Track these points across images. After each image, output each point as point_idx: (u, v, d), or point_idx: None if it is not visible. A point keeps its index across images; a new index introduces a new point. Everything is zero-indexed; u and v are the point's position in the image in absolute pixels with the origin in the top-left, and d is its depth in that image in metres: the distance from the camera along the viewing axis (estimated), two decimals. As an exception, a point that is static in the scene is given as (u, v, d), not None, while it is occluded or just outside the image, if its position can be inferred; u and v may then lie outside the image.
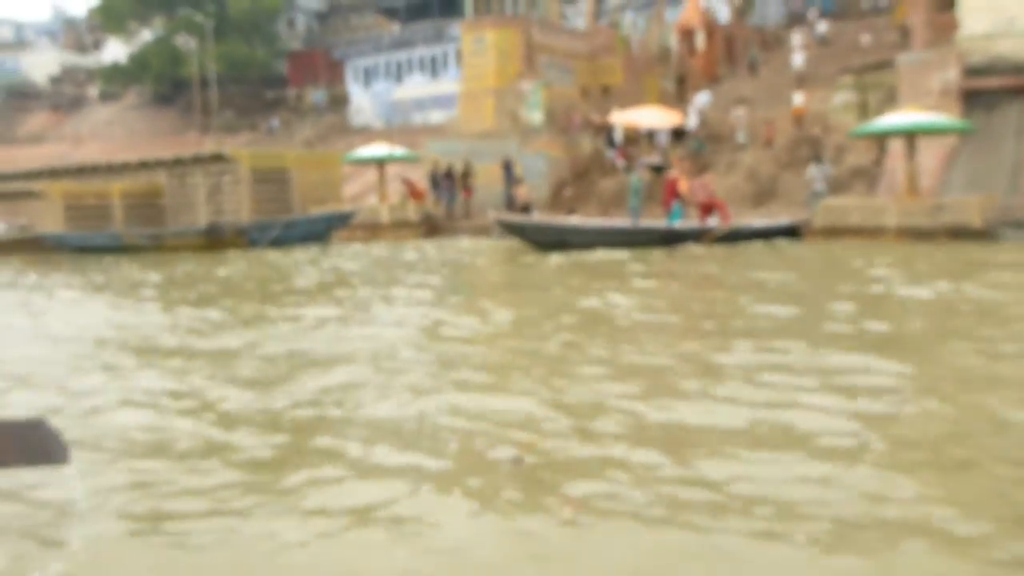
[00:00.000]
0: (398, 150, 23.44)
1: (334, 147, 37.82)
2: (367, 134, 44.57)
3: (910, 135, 15.85)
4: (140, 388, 6.03)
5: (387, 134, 40.75)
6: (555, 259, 14.13)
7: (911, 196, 15.76)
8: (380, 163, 22.87)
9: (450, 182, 23.05)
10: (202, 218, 22.82)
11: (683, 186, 16.83)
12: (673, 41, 32.39)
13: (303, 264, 15.62)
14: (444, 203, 23.10)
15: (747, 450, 4.24)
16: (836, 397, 5.05)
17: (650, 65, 30.23)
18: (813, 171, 17.88)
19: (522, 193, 20.74)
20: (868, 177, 21.25)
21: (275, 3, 51.34)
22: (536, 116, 24.97)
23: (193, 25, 47.86)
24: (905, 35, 31.63)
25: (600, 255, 14.23)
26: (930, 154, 19.42)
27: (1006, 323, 7.43)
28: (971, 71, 21.18)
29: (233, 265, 15.67)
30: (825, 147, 22.46)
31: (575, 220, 17.73)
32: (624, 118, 24.26)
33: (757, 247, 14.99)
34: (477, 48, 25.50)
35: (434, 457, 4.28)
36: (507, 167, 22.81)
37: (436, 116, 45.06)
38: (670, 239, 15.50)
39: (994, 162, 19.88)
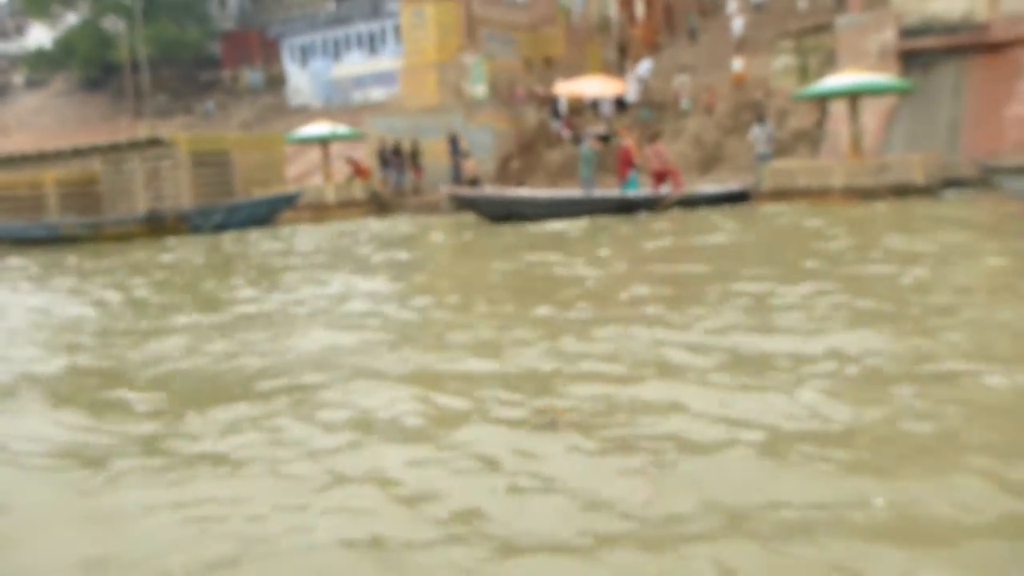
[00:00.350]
0: (341, 128, 23.04)
1: (273, 128, 37.18)
2: (306, 114, 43.81)
3: (853, 96, 15.99)
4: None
5: (327, 113, 40.14)
6: (510, 232, 14.01)
7: (855, 157, 15.95)
8: (323, 142, 22.46)
9: (398, 160, 22.80)
10: (140, 205, 22.16)
11: (636, 154, 16.77)
12: (613, 10, 32.31)
13: (250, 247, 15.28)
14: (393, 181, 22.87)
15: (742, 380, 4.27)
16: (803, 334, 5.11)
17: (591, 35, 30.15)
18: (756, 132, 18.00)
19: (469, 167, 20.56)
20: (810, 139, 21.51)
21: (205, -18, 50.04)
22: (480, 89, 24.73)
23: (121, 7, 46.44)
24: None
25: (556, 226, 14.15)
26: (870, 115, 19.70)
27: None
28: (906, 32, 21.49)
29: (176, 252, 15.22)
30: (767, 109, 22.67)
31: (527, 192, 17.64)
32: (568, 88, 24.18)
33: (709, 213, 15.04)
34: (416, 22, 25.13)
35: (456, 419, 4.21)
36: (453, 141, 22.60)
37: (376, 93, 44.45)
38: (623, 208, 15.48)
39: (932, 121, 20.25)
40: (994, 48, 19.39)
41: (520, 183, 20.19)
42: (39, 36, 53.59)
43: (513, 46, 27.19)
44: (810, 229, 11.90)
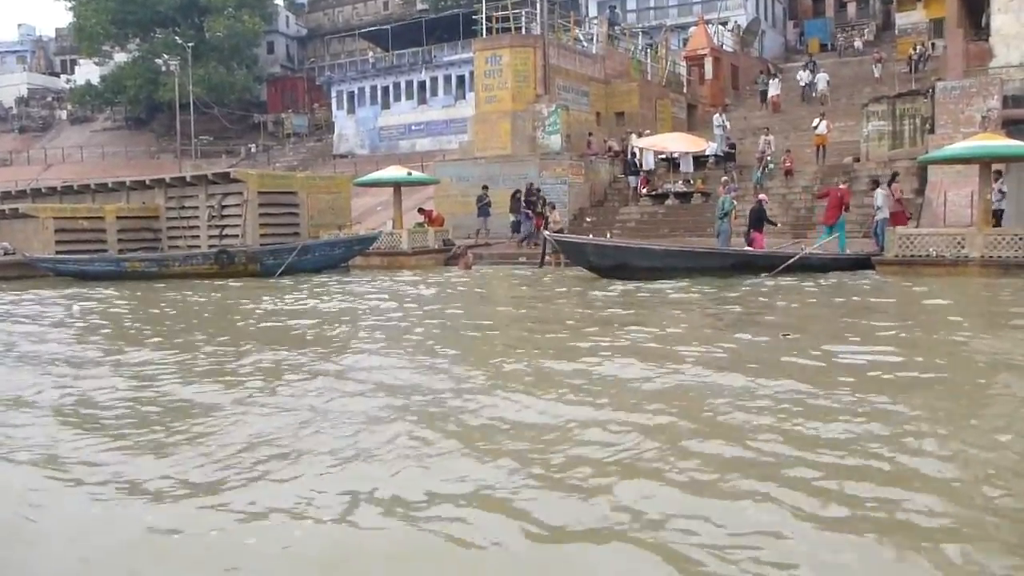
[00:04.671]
0: (416, 173, 22.14)
1: (319, 173, 36.30)
2: (351, 161, 43.25)
3: (986, 163, 14.94)
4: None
5: (372, 161, 39.47)
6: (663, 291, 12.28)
7: (984, 226, 14.83)
8: (396, 187, 21.51)
9: (530, 208, 20.97)
10: (203, 242, 21.30)
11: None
12: (683, 68, 31.66)
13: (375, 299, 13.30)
14: (524, 231, 21.20)
15: None
16: None
17: (663, 92, 29.40)
18: (879, 197, 16.86)
19: (555, 217, 19.59)
20: (911, 207, 20.46)
21: (254, 27, 49.93)
22: (555, 140, 23.89)
23: (171, 47, 46.27)
24: (912, 66, 31.41)
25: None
26: (976, 184, 18.64)
27: None
28: (1007, 100, 20.59)
29: (274, 305, 12.61)
30: (857, 175, 21.69)
31: (638, 242, 16.64)
32: (647, 143, 23.29)
33: (842, 280, 13.79)
34: (492, 68, 24.41)
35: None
36: (529, 191, 21.67)
37: (424, 143, 43.91)
38: (744, 266, 14.35)
39: (1046, 193, 19.17)
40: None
41: (609, 235, 19.03)
42: (87, 72, 53.57)
43: (587, 98, 26.44)
44: None
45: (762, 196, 16.50)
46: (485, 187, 22.17)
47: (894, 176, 17.64)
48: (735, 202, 16.59)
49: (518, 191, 21.46)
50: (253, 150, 49.48)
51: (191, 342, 8.55)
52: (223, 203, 21.08)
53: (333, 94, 48.56)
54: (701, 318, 10.13)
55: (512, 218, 21.50)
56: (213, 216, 21.13)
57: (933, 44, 32.57)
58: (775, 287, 12.89)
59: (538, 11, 25.28)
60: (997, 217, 17.22)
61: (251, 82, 52.69)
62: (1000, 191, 17.68)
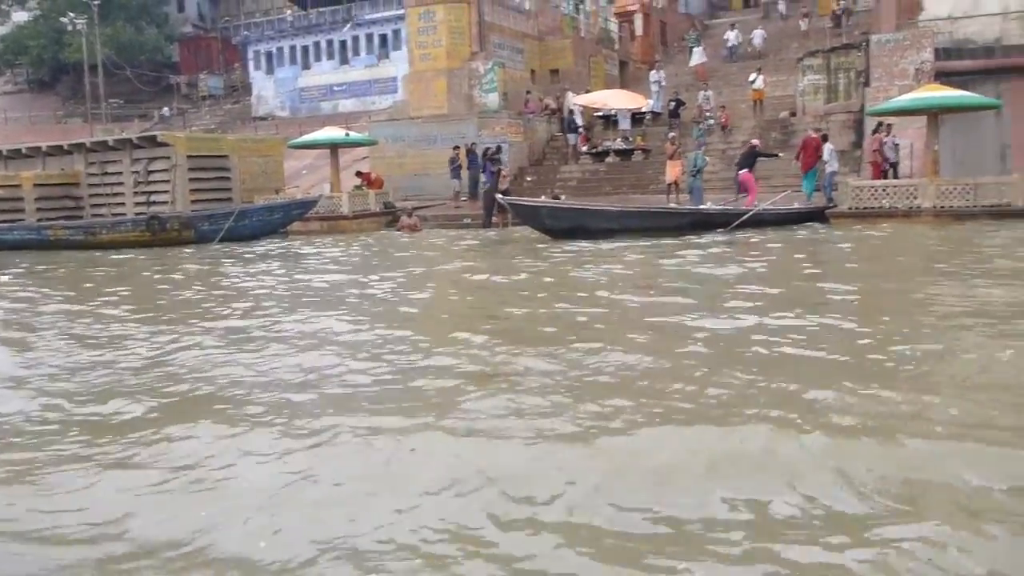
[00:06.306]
0: (354, 134, 21.44)
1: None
2: (272, 123, 41.90)
3: (934, 113, 15.12)
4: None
5: (294, 123, 38.31)
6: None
7: (934, 176, 15.06)
8: (333, 148, 20.79)
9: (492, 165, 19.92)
10: (128, 210, 20.27)
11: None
12: (613, 24, 31.40)
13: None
14: (487, 186, 19.83)
15: None
16: None
17: (596, 48, 29.12)
18: (827, 152, 16.96)
19: (504, 172, 19.14)
20: (850, 159, 20.69)
21: (162, -17, 47.71)
22: (492, 99, 23.40)
23: (76, 5, 43.87)
24: (837, 21, 31.80)
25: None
26: (912, 135, 18.92)
27: None
28: (938, 53, 20.93)
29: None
30: (794, 129, 21.87)
31: (593, 203, 16.38)
32: (587, 100, 23.03)
33: (797, 234, 13.78)
34: (426, 25, 23.71)
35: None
36: (471, 153, 21.23)
37: (347, 104, 42.80)
38: (700, 224, 14.24)
39: (977, 143, 19.55)
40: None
41: (556, 196, 18.74)
42: (-16, 32, 50.55)
43: (522, 55, 25.97)
44: None
45: (755, 141, 16.74)
46: (456, 147, 21.62)
47: (878, 126, 17.51)
48: (707, 158, 16.50)
49: (488, 149, 20.94)
50: (167, 113, 47.48)
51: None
52: (149, 168, 20.05)
53: (250, 54, 46.85)
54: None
55: (482, 179, 20.86)
56: (139, 182, 20.10)
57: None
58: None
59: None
60: (893, 168, 17.30)
61: (162, 42, 50.54)
62: (894, 143, 17.81)
